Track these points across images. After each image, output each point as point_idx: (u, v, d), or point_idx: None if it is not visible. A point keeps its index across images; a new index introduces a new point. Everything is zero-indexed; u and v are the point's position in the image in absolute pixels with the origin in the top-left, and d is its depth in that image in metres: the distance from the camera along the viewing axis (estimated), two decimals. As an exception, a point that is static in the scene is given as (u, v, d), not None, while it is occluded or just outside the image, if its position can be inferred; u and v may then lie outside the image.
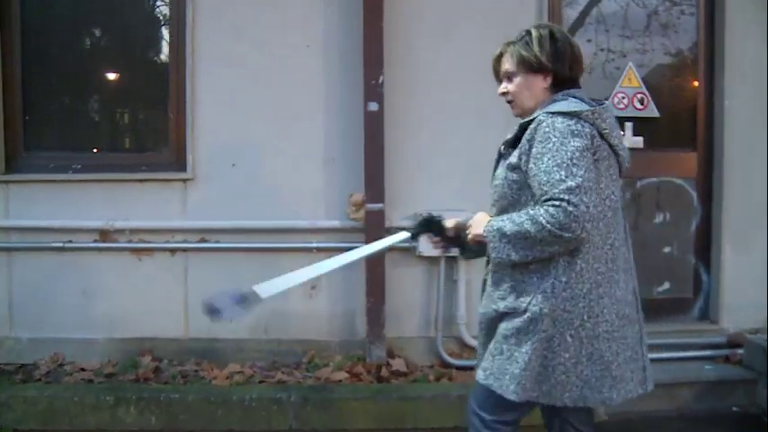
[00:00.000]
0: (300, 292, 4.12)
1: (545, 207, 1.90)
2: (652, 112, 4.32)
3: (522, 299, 2.04)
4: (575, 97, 2.10)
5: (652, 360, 2.23)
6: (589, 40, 4.35)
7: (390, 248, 2.32)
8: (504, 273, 2.10)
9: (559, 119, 1.98)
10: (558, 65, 2.12)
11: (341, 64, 4.11)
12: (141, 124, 4.60)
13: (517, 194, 2.07)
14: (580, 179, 1.89)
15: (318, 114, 4.14)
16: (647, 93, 4.32)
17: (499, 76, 2.24)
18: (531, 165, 1.99)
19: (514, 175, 2.07)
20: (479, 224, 2.11)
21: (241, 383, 3.74)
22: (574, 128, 1.96)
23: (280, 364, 4.03)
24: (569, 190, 1.87)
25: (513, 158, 2.07)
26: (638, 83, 4.32)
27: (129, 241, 4.17)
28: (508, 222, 1.99)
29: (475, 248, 2.23)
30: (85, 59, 4.47)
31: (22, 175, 4.20)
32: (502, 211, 2.11)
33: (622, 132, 4.31)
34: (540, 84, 2.14)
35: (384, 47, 3.97)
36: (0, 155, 4.25)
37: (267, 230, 4.11)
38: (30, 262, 4.28)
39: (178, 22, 4.16)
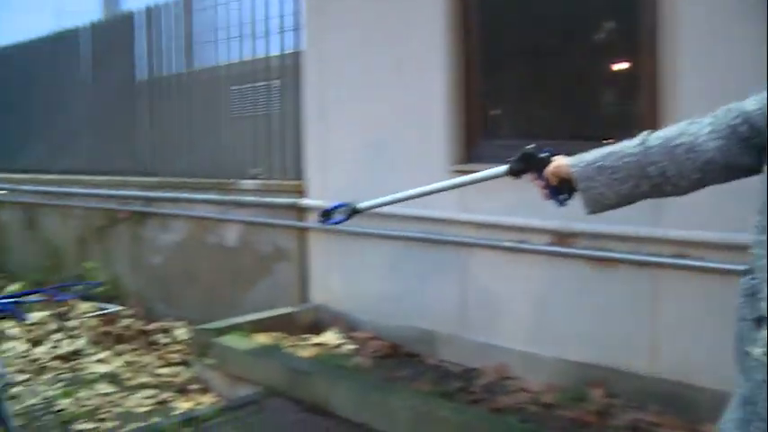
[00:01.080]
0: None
1: None
2: None
3: None
4: None
5: None
6: None
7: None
8: None
9: None
10: None
11: None
12: (606, 112, 3.98)
13: None
14: None
15: None
16: None
17: None
18: None
19: None
20: None
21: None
22: None
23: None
24: None
25: None
26: None
27: (587, 247, 3.63)
28: None
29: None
30: (544, 43, 4.04)
31: (477, 165, 3.97)
32: None
33: None
34: None
35: None
36: (460, 144, 4.13)
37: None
38: (483, 260, 4.11)
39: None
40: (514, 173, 1.89)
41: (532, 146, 1.89)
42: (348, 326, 4.74)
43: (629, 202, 1.71)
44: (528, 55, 4.09)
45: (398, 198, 2.28)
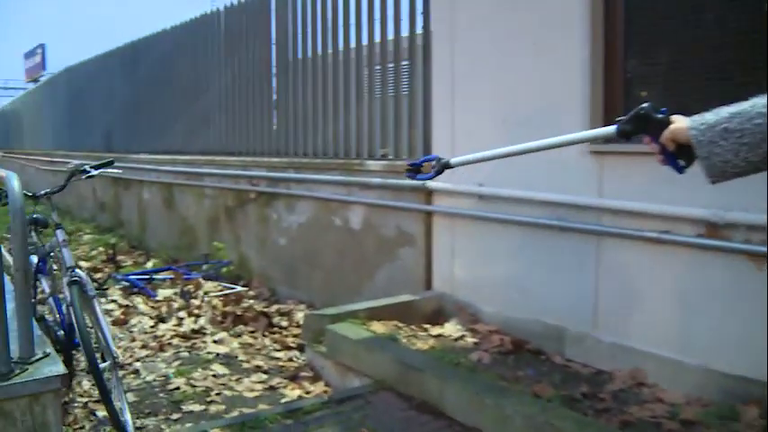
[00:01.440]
0: None
1: None
2: None
3: None
4: None
5: None
6: None
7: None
8: None
9: None
10: None
11: None
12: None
13: None
14: None
15: None
16: None
17: None
18: None
19: None
20: None
21: None
22: None
23: None
24: None
25: None
26: None
27: (746, 241, 3.13)
28: None
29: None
30: (700, 8, 3.50)
31: (617, 145, 3.54)
32: None
33: None
34: None
35: None
36: (599, 121, 3.71)
37: None
38: (620, 251, 3.69)
39: None
40: (624, 134, 1.64)
41: (647, 104, 1.61)
42: (471, 317, 4.45)
43: (761, 170, 1.41)
44: (680, 21, 3.60)
45: (495, 154, 2.09)
